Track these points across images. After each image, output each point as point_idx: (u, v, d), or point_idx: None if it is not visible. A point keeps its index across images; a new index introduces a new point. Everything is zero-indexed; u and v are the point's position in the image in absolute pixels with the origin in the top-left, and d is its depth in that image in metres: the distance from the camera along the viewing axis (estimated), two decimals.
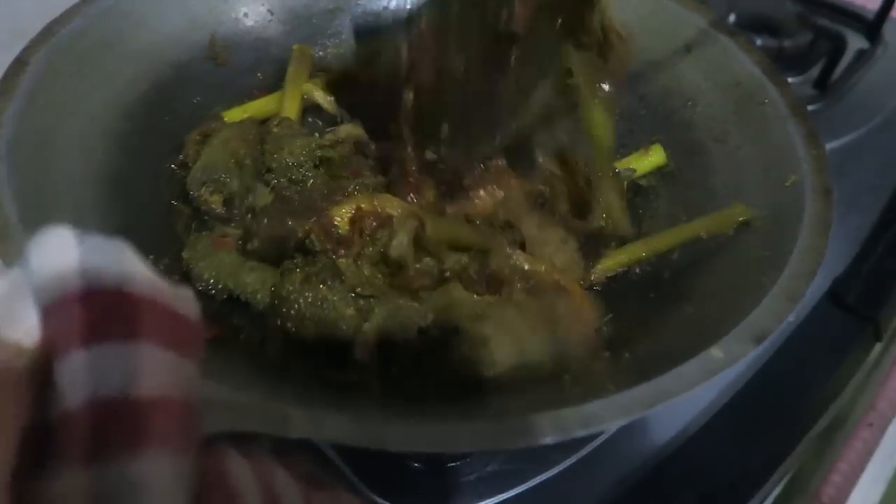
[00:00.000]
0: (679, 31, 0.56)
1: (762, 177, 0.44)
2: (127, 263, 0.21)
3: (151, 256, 0.42)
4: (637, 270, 0.47)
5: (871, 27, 0.65)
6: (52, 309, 0.19)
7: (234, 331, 0.40)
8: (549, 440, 0.28)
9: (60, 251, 0.20)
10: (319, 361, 0.39)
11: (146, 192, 0.47)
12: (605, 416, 0.28)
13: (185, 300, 0.22)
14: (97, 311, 0.19)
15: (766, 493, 0.42)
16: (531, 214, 0.44)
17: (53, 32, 0.46)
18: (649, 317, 0.40)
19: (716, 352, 0.31)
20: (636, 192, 0.52)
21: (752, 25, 0.51)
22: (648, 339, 0.37)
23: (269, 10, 0.60)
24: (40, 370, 0.19)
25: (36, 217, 0.36)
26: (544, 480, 0.41)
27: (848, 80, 0.60)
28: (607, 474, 0.43)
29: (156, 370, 0.19)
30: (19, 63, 0.43)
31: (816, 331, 0.40)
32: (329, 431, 0.27)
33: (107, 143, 0.46)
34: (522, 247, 0.42)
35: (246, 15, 0.59)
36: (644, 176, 0.53)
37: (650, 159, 0.53)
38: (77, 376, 0.18)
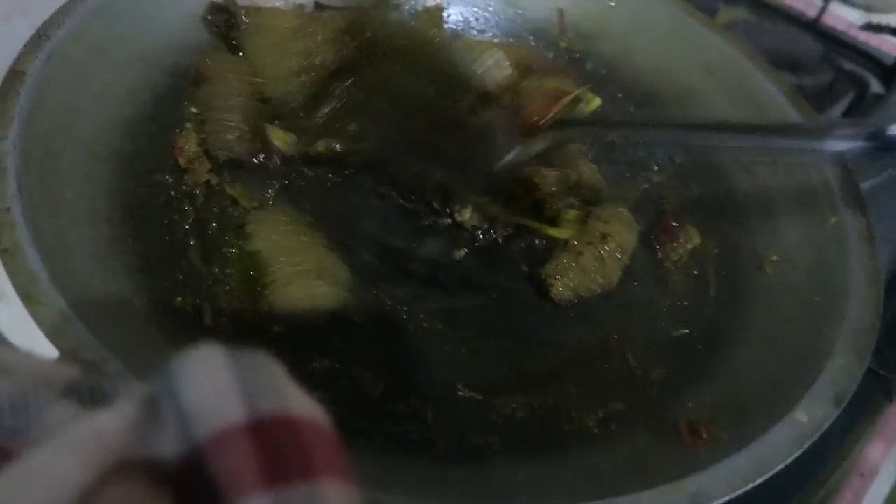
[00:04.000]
0: (700, 52, 0.55)
1: (799, 215, 0.45)
2: (281, 383, 0.19)
3: (179, 299, 0.38)
4: (672, 305, 0.47)
5: (889, 73, 0.67)
6: (218, 441, 0.17)
7: None
8: None
9: (214, 372, 0.18)
10: (372, 412, 0.37)
11: (160, 220, 0.42)
12: (712, 493, 0.28)
13: (325, 416, 0.20)
14: (271, 445, 0.17)
15: None
16: None
17: (48, 36, 0.41)
18: (700, 361, 0.40)
19: (800, 415, 0.31)
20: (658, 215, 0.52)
21: (773, 61, 0.51)
22: (709, 387, 0.37)
23: None
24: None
25: (60, 265, 0.32)
26: None
27: None
28: None
29: None
30: (16, 75, 0.38)
31: None
32: None
33: (112, 167, 0.41)
34: None
35: None
36: (668, 201, 0.53)
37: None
38: None
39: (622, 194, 0.55)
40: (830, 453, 0.45)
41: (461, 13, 0.62)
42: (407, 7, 0.60)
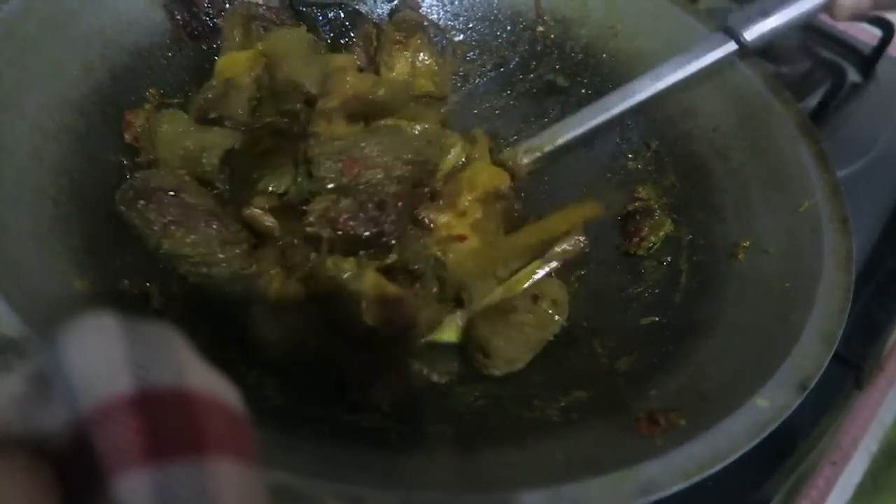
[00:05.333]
0: (678, 37, 0.54)
1: (773, 199, 0.44)
2: (180, 357, 0.18)
3: (126, 281, 0.37)
4: (642, 293, 0.45)
5: (867, 62, 0.65)
6: (102, 413, 0.16)
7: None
8: None
9: (103, 342, 0.17)
10: (326, 400, 0.35)
11: (110, 201, 0.41)
12: (664, 482, 0.26)
13: (232, 393, 0.19)
14: (157, 419, 0.16)
15: None
16: None
17: None
18: (667, 348, 0.39)
19: (761, 402, 0.30)
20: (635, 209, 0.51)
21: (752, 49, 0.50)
22: (674, 376, 0.36)
23: None
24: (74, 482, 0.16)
25: None
26: None
27: (841, 114, 0.60)
28: None
29: (230, 492, 0.16)
30: None
31: None
32: None
33: (61, 145, 0.40)
34: None
35: None
36: (643, 188, 0.51)
37: None
38: (144, 503, 0.15)
39: (598, 185, 0.54)
40: (801, 441, 0.44)
41: None
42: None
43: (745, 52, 0.49)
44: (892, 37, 0.65)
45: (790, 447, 0.42)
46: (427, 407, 0.38)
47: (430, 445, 0.33)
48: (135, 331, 0.18)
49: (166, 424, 0.16)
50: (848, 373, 0.46)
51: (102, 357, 0.17)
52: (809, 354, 0.32)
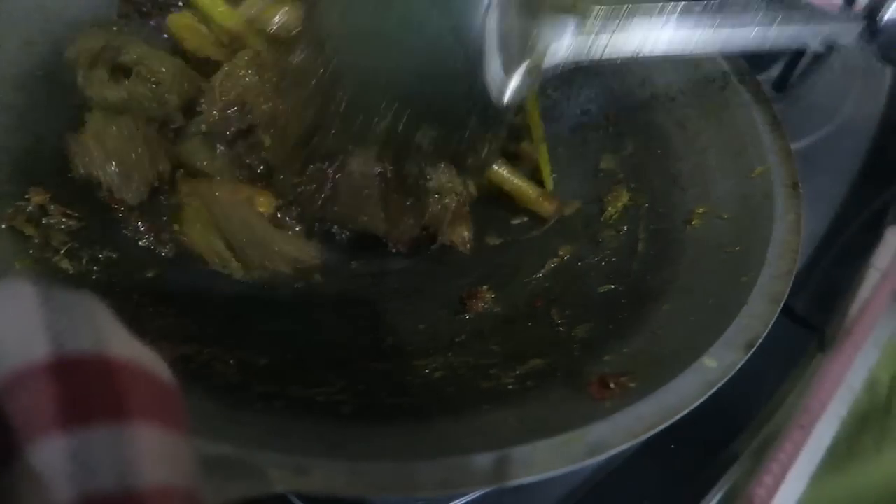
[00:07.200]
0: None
1: (728, 166, 0.44)
2: (101, 324, 0.17)
3: (67, 261, 0.36)
4: (600, 262, 0.45)
5: None
6: (15, 381, 0.15)
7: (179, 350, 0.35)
8: (554, 472, 0.26)
9: (18, 309, 0.16)
10: (281, 377, 0.35)
11: (55, 179, 0.40)
12: (612, 441, 0.27)
13: (159, 363, 0.19)
14: (75, 384, 0.16)
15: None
16: None
17: None
18: (622, 315, 0.39)
19: (709, 361, 0.30)
20: (595, 175, 0.51)
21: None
22: (628, 341, 0.36)
23: None
24: None
25: None
26: None
27: (803, 84, 0.60)
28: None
29: (152, 456, 0.16)
30: None
31: (764, 340, 0.35)
32: (319, 483, 0.24)
33: (3, 122, 0.39)
34: None
35: None
36: (603, 159, 0.52)
37: None
38: (61, 468, 0.15)
39: (559, 154, 0.54)
40: (765, 400, 0.45)
41: None
42: None
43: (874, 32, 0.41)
44: (853, 5, 0.66)
45: (755, 407, 0.43)
46: (382, 380, 0.38)
47: (383, 417, 0.32)
48: (52, 297, 0.17)
49: (84, 390, 0.16)
50: (810, 336, 0.47)
51: (16, 324, 0.16)
52: (757, 314, 0.33)
